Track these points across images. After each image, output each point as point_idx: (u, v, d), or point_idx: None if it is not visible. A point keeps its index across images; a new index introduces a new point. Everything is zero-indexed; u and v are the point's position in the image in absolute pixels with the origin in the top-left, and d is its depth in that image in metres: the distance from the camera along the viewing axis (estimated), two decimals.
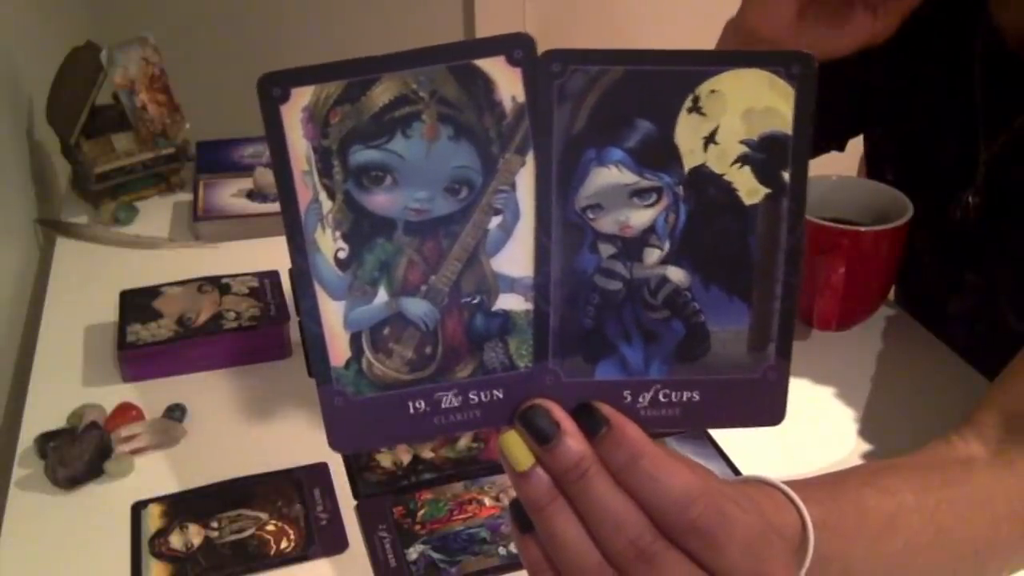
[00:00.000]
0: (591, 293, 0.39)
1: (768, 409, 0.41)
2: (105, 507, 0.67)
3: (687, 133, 0.38)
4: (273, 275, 0.90)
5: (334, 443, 0.40)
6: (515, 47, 0.37)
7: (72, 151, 1.10)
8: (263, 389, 0.80)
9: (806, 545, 0.44)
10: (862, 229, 0.78)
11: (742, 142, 0.39)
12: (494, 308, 0.39)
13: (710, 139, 0.38)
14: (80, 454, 0.69)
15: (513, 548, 0.62)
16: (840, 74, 0.65)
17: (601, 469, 0.38)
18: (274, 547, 0.64)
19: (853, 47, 0.68)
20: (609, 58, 0.37)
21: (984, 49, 0.78)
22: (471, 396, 0.40)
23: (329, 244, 0.39)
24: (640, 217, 0.39)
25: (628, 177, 0.38)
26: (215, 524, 0.65)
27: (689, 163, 0.39)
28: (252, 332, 0.83)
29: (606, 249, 0.39)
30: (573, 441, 0.38)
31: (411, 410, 0.40)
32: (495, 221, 0.39)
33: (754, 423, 0.41)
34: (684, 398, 0.41)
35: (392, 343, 0.39)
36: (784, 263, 0.40)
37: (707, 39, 0.70)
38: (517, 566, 0.59)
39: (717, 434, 0.73)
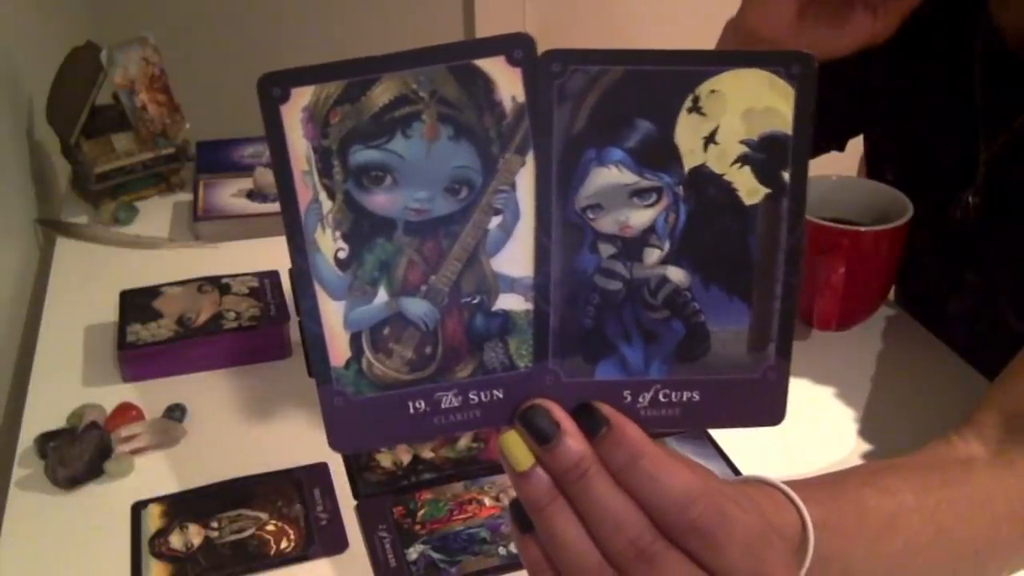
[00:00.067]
0: (591, 293, 0.39)
1: (768, 409, 0.41)
2: (105, 507, 0.67)
3: (687, 133, 0.38)
4: (273, 275, 0.90)
5: (334, 443, 0.40)
6: (515, 47, 0.37)
7: (72, 151, 1.10)
8: (263, 389, 0.80)
9: (806, 545, 0.44)
10: (862, 229, 0.78)
11: (742, 142, 0.39)
12: (494, 308, 0.39)
13: (710, 139, 0.38)
14: (80, 454, 0.69)
15: (513, 548, 0.62)
16: (840, 74, 0.65)
17: (601, 469, 0.38)
18: (274, 547, 0.64)
19: (853, 47, 0.68)
20: (609, 58, 0.37)
21: (984, 49, 0.78)
22: (471, 396, 0.40)
23: (329, 244, 0.39)
24: (640, 217, 0.39)
25: (628, 177, 0.38)
26: (215, 524, 0.65)
27: (689, 163, 0.39)
28: (252, 332, 0.83)
29: (606, 249, 0.39)
30: (573, 441, 0.38)
31: (411, 410, 0.40)
32: (495, 221, 0.39)
33: (754, 423, 0.41)
34: (684, 398, 0.41)
35: (392, 343, 0.39)
36: (784, 263, 0.40)
37: (707, 39, 0.70)
38: (517, 566, 0.59)
39: (717, 434, 0.73)
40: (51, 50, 1.20)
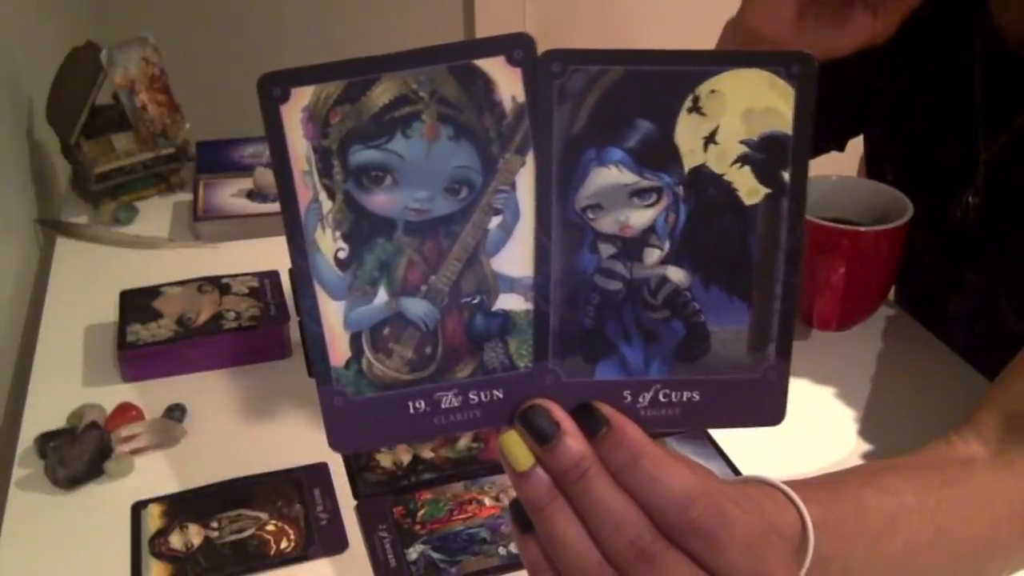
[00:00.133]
0: (591, 293, 0.39)
1: (768, 409, 0.41)
2: (105, 507, 0.67)
3: (687, 133, 0.38)
4: (273, 275, 0.90)
5: (334, 443, 0.40)
6: (515, 47, 0.37)
7: (72, 151, 1.10)
8: (263, 389, 0.80)
9: (806, 545, 0.44)
10: (862, 229, 0.78)
11: (742, 142, 0.39)
12: (494, 308, 0.39)
13: (710, 139, 0.38)
14: (80, 454, 0.69)
15: (513, 548, 0.62)
16: (840, 74, 0.65)
17: (601, 469, 0.38)
18: (274, 547, 0.64)
19: (853, 47, 0.68)
20: (609, 58, 0.37)
21: (984, 49, 0.78)
22: (471, 396, 0.40)
23: (329, 244, 0.39)
24: (640, 217, 0.39)
25: (628, 177, 0.38)
26: (215, 524, 0.65)
27: (689, 163, 0.39)
28: (252, 332, 0.83)
29: (606, 249, 0.39)
30: (573, 441, 0.38)
31: (411, 410, 0.40)
32: (495, 221, 0.39)
33: (754, 423, 0.41)
34: (684, 398, 0.41)
35: (392, 343, 0.39)
36: (784, 263, 0.40)
37: (707, 39, 0.70)
38: (517, 566, 0.59)
39: (717, 434, 0.73)
40: (51, 50, 1.20)
